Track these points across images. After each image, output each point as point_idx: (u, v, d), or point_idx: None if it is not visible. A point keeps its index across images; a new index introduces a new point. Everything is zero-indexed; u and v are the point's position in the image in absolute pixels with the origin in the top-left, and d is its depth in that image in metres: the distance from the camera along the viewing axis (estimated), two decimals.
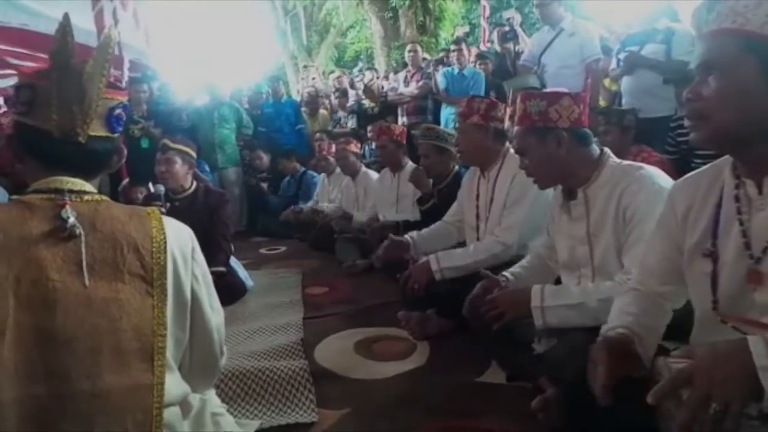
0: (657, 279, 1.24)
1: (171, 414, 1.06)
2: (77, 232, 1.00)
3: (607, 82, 4.21)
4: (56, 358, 0.94)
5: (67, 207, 1.02)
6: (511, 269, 1.94)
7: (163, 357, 1.03)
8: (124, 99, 1.16)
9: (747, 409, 0.83)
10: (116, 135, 1.15)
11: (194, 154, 3.24)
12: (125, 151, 1.23)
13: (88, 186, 1.09)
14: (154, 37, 6.57)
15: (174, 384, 1.07)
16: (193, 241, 1.16)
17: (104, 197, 1.10)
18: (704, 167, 1.17)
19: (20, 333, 0.92)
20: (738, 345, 0.87)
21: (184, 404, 1.15)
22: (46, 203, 1.02)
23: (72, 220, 1.00)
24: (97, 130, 1.09)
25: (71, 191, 1.05)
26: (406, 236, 2.64)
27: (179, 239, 1.12)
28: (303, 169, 5.78)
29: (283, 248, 4.81)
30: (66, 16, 1.05)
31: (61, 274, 0.97)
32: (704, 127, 1.00)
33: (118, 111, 1.12)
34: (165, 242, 1.07)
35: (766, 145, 0.96)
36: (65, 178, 1.07)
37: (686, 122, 1.04)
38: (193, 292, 1.13)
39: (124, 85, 5.94)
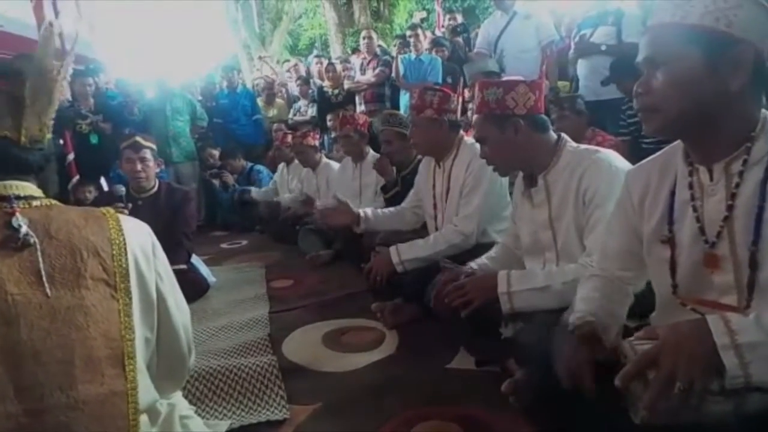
0: (617, 264, 1.27)
1: (140, 422, 1.04)
2: (31, 240, 0.96)
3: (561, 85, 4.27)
4: (25, 373, 0.90)
5: (17, 215, 0.97)
6: (478, 260, 1.93)
7: (134, 361, 1.01)
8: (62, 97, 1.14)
9: (709, 385, 0.86)
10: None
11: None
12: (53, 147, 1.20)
13: (34, 189, 1.05)
14: (99, 27, 6.30)
15: (145, 389, 1.05)
16: (152, 237, 1.14)
17: (54, 201, 1.06)
18: (657, 154, 1.20)
19: None
20: (698, 324, 0.91)
21: (151, 411, 1.13)
22: None
23: (24, 228, 0.96)
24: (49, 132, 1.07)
25: (18, 197, 1.00)
26: (359, 210, 2.63)
27: (139, 238, 1.09)
28: (250, 165, 5.71)
29: (244, 242, 4.74)
30: (50, 24, 1.03)
31: (20, 286, 0.93)
32: (655, 119, 1.03)
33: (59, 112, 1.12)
34: (125, 243, 1.04)
35: (715, 132, 1.00)
36: (9, 183, 1.02)
37: (639, 114, 1.07)
38: (158, 290, 1.10)
39: (68, 78, 5.70)
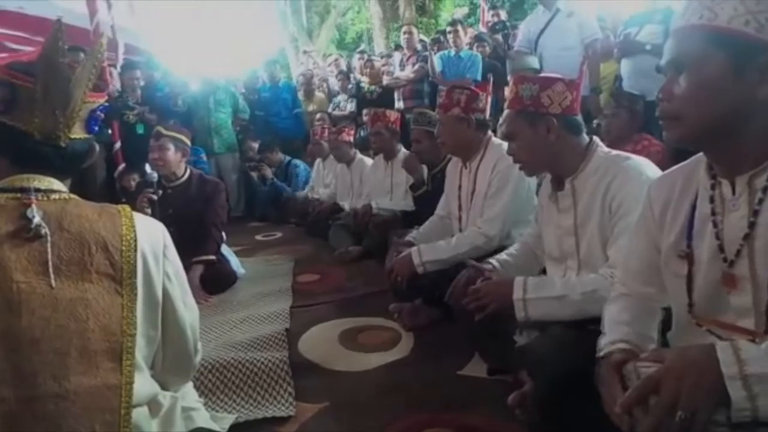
0: (640, 280, 1.20)
1: (138, 414, 1.05)
2: (43, 232, 0.99)
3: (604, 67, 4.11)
4: (22, 359, 0.93)
5: (33, 206, 1.00)
6: (498, 256, 1.90)
7: (132, 357, 1.02)
8: (103, 100, 1.16)
9: (715, 415, 0.80)
10: (92, 135, 1.16)
11: (188, 141, 3.19)
12: (97, 148, 1.21)
13: (56, 184, 1.08)
14: (150, 20, 6.48)
15: (142, 384, 1.07)
16: (165, 238, 1.15)
17: (73, 195, 1.09)
18: (680, 164, 1.13)
19: None
20: (707, 351, 0.85)
21: (152, 403, 1.15)
22: (11, 203, 1.01)
23: (37, 219, 0.99)
24: (77, 132, 1.09)
25: (37, 190, 1.03)
26: (409, 237, 2.56)
27: (150, 237, 1.10)
28: (288, 159, 5.75)
29: (278, 234, 4.81)
30: (59, 21, 1.04)
31: (27, 275, 0.96)
32: (677, 127, 0.97)
33: (97, 113, 1.13)
34: (135, 240, 1.05)
35: (739, 144, 0.93)
36: (32, 176, 1.05)
37: (660, 123, 1.00)
38: (165, 290, 1.12)
39: (118, 69, 5.92)
